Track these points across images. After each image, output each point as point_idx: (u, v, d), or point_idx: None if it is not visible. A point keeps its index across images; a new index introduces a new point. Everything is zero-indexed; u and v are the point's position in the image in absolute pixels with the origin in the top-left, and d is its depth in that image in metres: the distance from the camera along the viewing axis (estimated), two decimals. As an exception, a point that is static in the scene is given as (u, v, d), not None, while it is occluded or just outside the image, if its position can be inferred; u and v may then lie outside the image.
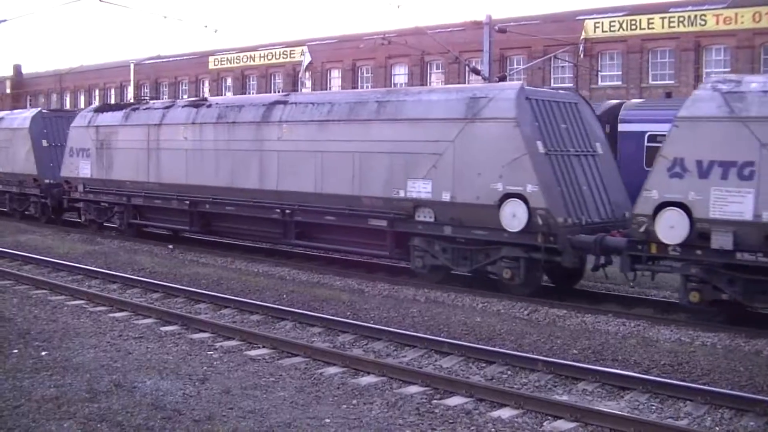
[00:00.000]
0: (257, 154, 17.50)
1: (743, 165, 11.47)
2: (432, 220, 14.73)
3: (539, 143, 13.58)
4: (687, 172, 11.88)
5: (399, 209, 15.06)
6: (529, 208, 13.28)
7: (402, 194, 14.92)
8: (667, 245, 12.14)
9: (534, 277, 13.97)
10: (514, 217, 13.44)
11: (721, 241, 11.63)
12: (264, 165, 17.36)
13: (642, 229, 12.33)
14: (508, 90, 14.04)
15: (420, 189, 14.67)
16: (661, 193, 12.10)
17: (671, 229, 11.98)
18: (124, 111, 21.75)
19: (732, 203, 11.56)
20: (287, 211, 17.02)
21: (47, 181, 24.54)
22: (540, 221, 13.25)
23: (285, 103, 17.42)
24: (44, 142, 25.12)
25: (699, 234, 11.83)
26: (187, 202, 19.27)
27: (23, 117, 26.17)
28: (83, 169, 22.20)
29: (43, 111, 27.20)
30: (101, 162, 21.65)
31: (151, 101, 22.68)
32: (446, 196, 14.32)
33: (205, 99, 20.91)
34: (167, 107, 20.51)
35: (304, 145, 16.57)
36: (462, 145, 14.10)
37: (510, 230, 13.54)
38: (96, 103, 63.65)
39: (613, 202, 14.39)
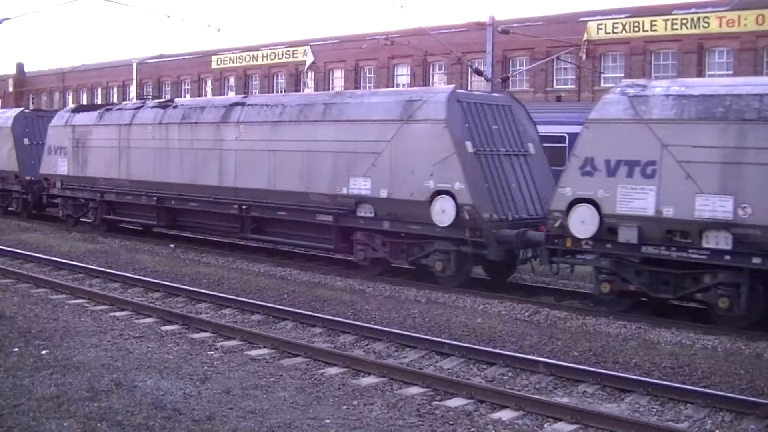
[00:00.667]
0: (217, 153, 19.27)
1: (646, 164, 12.87)
2: (372, 215, 16.33)
3: (468, 143, 15.12)
4: (597, 171, 13.29)
5: (342, 205, 16.68)
6: (456, 204, 14.80)
7: (345, 191, 16.55)
8: (580, 239, 13.58)
9: (464, 270, 15.50)
10: (443, 213, 15.00)
11: (628, 235, 13.05)
12: (223, 163, 19.11)
13: (557, 224, 13.78)
14: (440, 93, 15.59)
15: (361, 186, 16.29)
16: (574, 190, 13.54)
17: (583, 223, 13.42)
18: (98, 111, 23.70)
19: (636, 200, 12.95)
20: (244, 207, 18.70)
21: (28, 177, 26.43)
22: (467, 216, 14.76)
23: (243, 104, 19.21)
24: (26, 141, 27.01)
25: (608, 229, 13.24)
26: (155, 198, 21.05)
27: (6, 116, 28.11)
28: (61, 166, 24.13)
29: (25, 111, 29.30)
30: (77, 160, 23.55)
31: (123, 102, 24.53)
32: (384, 193, 15.92)
33: (172, 100, 22.76)
34: (137, 108, 22.39)
35: (258, 144, 18.28)
36: (398, 144, 15.69)
37: (440, 225, 15.07)
38: (99, 102, 65.73)
39: (543, 199, 15.80)
